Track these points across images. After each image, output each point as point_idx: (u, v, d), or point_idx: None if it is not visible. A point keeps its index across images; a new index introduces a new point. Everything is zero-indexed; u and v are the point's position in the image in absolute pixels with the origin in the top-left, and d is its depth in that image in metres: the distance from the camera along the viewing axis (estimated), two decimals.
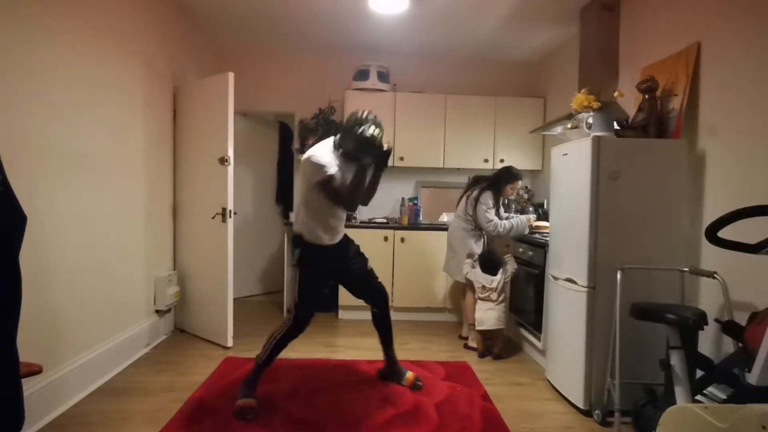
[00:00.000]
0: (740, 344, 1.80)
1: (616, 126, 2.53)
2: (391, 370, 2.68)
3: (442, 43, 4.24)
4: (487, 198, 3.34)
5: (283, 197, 5.01)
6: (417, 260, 4.03)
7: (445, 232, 3.71)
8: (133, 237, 2.98)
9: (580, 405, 2.38)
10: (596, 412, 2.31)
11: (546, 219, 3.40)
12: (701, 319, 1.86)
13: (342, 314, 4.07)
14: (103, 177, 2.62)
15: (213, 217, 3.22)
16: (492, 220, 3.29)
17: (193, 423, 2.16)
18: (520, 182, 3.52)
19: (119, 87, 2.77)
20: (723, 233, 1.70)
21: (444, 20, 3.68)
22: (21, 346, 1.29)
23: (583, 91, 2.63)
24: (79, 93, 2.38)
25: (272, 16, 3.69)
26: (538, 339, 3.08)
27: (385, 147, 2.27)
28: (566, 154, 2.64)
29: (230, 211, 3.17)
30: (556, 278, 2.68)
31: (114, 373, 2.71)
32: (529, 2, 3.31)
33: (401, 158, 4.26)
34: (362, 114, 2.26)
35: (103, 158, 2.62)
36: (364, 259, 2.60)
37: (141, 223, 3.07)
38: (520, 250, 3.39)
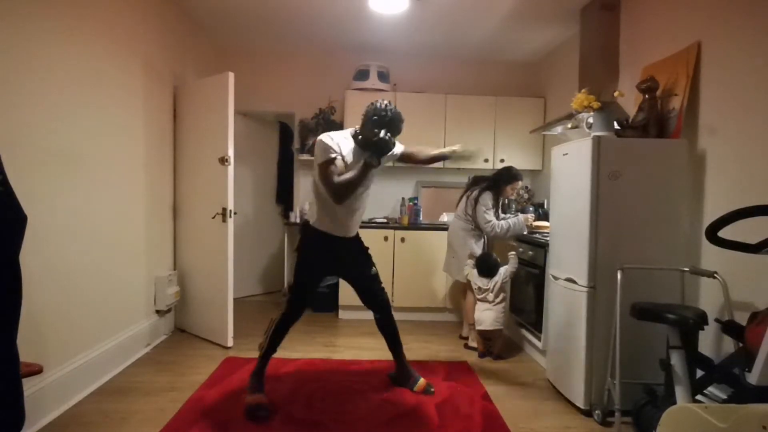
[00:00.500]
0: (740, 344, 1.80)
1: (616, 126, 2.53)
2: (401, 374, 2.63)
3: (442, 43, 4.24)
4: (487, 199, 3.34)
5: (283, 197, 5.01)
6: (417, 260, 4.03)
7: (445, 232, 3.71)
8: (133, 237, 2.98)
9: (581, 405, 2.38)
10: (596, 412, 2.31)
11: (546, 219, 3.41)
12: (701, 319, 1.86)
13: (342, 314, 4.07)
14: (104, 177, 2.62)
15: (213, 217, 3.22)
16: (490, 221, 3.30)
17: (193, 423, 2.16)
18: (520, 182, 3.52)
19: (119, 87, 2.77)
20: (723, 233, 1.70)
21: (444, 20, 3.69)
22: (21, 346, 1.29)
23: (583, 91, 2.63)
24: (79, 93, 2.38)
25: (272, 16, 3.69)
26: (539, 339, 3.08)
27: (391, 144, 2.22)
28: (566, 154, 2.64)
29: (230, 211, 3.17)
30: (556, 278, 2.68)
31: (114, 373, 2.71)
32: (529, 2, 3.31)
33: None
34: (381, 104, 2.23)
35: (104, 158, 2.62)
36: (370, 264, 2.57)
37: (141, 223, 3.07)
38: (521, 250, 3.39)
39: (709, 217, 2.24)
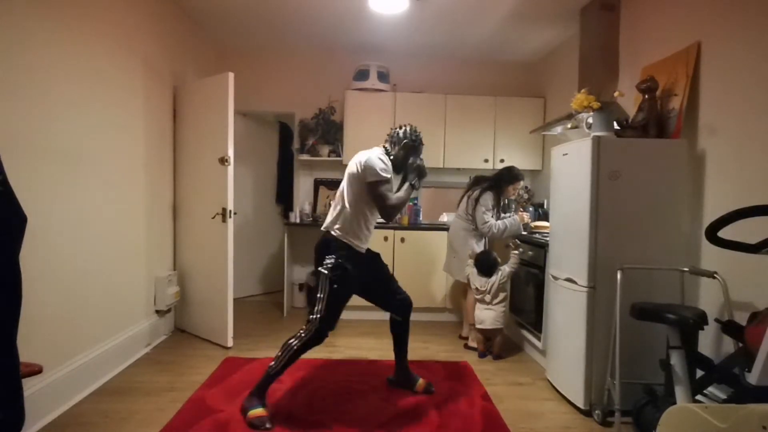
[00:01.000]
0: (740, 344, 1.80)
1: (616, 126, 2.53)
2: (402, 377, 2.62)
3: (442, 43, 4.24)
4: (487, 199, 3.34)
5: (283, 197, 5.01)
6: (417, 260, 4.03)
7: (445, 232, 3.71)
8: (133, 237, 2.98)
9: (581, 405, 2.38)
10: (596, 412, 2.31)
11: (546, 219, 3.41)
12: (701, 319, 1.86)
13: (342, 314, 4.05)
14: (103, 177, 2.62)
15: (213, 217, 3.22)
16: (487, 222, 3.30)
17: (193, 423, 2.16)
18: (521, 182, 3.52)
19: (119, 87, 2.77)
20: (723, 233, 1.70)
21: (444, 20, 3.69)
22: (21, 346, 1.29)
23: (583, 91, 2.63)
24: (79, 93, 2.38)
25: (272, 16, 3.69)
26: (538, 339, 3.08)
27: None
28: (566, 154, 2.64)
29: (230, 211, 3.17)
30: (556, 278, 2.68)
31: (114, 373, 2.71)
32: (529, 2, 3.31)
33: None
34: (411, 130, 2.47)
35: (104, 158, 2.62)
36: (384, 264, 2.60)
37: (141, 223, 3.07)
38: (521, 250, 3.39)
39: (709, 217, 2.24)
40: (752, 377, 1.58)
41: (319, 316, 2.26)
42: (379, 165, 2.29)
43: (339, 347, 3.33)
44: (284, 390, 2.54)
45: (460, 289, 3.70)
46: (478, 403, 2.45)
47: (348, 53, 4.49)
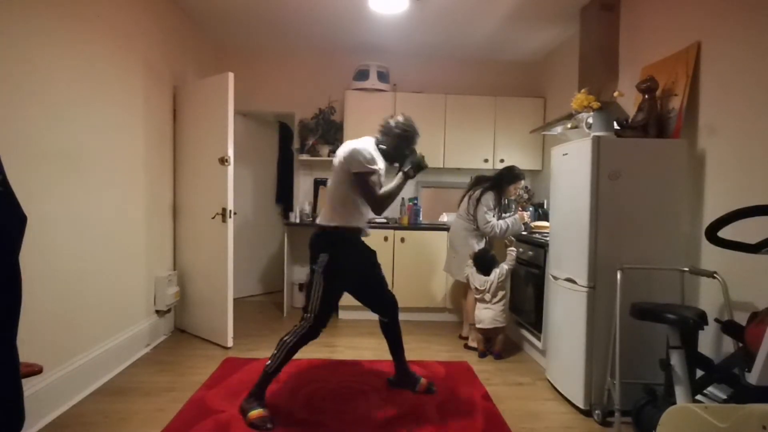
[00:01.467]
0: (740, 344, 1.80)
1: (616, 126, 2.53)
2: (403, 378, 2.61)
3: (442, 43, 4.24)
4: (489, 199, 3.35)
5: (283, 197, 5.01)
6: (417, 260, 4.03)
7: (445, 232, 3.71)
8: (133, 237, 2.98)
9: (581, 405, 2.38)
10: (596, 412, 2.31)
11: (546, 219, 3.40)
12: (701, 319, 1.86)
13: (342, 314, 4.07)
14: (103, 177, 2.62)
15: (213, 218, 3.22)
16: (489, 222, 3.30)
17: (194, 424, 2.16)
18: (522, 182, 3.52)
19: (119, 87, 2.77)
20: (723, 233, 1.70)
21: (444, 20, 3.69)
22: (21, 346, 1.29)
23: (583, 91, 2.63)
24: (79, 93, 2.38)
25: (272, 16, 3.69)
26: (538, 339, 3.08)
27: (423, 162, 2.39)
28: (566, 154, 2.64)
29: (230, 211, 3.17)
30: (556, 278, 2.68)
31: (114, 373, 2.71)
32: (529, 2, 3.31)
33: None
34: (405, 120, 2.37)
35: (103, 158, 2.62)
36: (380, 265, 2.57)
37: (141, 223, 3.07)
38: (521, 250, 3.39)
39: (709, 217, 2.24)
40: (752, 377, 1.58)
41: (313, 314, 2.27)
42: (365, 155, 2.23)
43: (339, 347, 3.33)
44: (284, 390, 2.54)
45: (461, 290, 3.70)
46: (478, 403, 2.45)
47: (348, 53, 4.49)
